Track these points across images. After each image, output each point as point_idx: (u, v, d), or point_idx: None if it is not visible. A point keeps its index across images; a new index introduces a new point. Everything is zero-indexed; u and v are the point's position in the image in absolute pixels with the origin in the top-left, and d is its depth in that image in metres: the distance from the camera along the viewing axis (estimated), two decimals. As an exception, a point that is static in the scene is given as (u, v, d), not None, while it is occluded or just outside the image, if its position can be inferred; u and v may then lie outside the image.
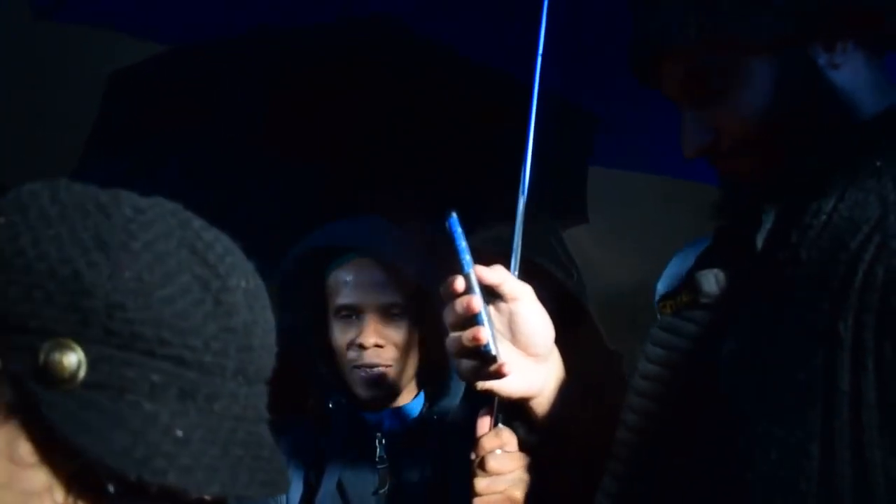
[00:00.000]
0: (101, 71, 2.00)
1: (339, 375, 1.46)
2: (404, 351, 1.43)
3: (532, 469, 1.02)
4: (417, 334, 1.45)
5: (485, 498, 1.02)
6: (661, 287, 1.71)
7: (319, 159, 2.00)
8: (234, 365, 0.60)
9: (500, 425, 1.06)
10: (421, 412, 1.48)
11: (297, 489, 1.43)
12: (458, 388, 1.46)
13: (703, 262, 0.91)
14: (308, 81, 1.96)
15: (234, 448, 0.59)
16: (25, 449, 0.56)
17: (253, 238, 0.69)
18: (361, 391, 1.42)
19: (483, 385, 0.97)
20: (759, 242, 0.84)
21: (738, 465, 0.72)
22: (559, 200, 2.15)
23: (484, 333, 0.93)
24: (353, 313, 1.42)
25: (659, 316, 0.93)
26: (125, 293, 0.56)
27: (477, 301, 0.94)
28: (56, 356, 0.54)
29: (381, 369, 1.41)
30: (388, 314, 1.42)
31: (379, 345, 1.41)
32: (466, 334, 0.93)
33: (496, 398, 1.03)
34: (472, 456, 1.04)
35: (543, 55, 1.20)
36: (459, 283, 0.95)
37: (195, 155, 2.01)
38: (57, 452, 0.56)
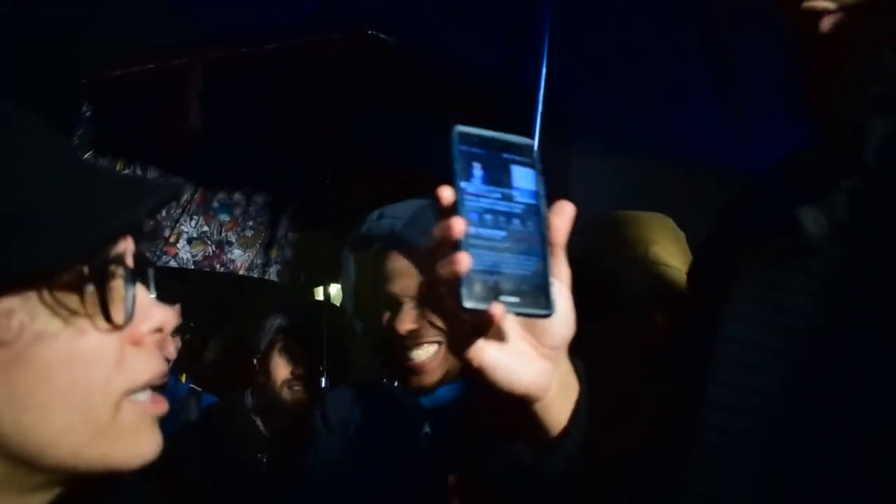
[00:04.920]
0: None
1: None
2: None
3: None
4: None
5: None
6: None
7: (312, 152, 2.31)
8: None
9: None
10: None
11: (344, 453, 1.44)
12: None
13: (793, 196, 0.69)
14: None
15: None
16: None
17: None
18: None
19: (476, 357, 0.67)
20: (871, 158, 0.64)
21: (880, 468, 0.57)
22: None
23: (465, 260, 0.61)
24: None
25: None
26: None
27: (459, 223, 0.62)
28: None
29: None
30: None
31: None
32: (442, 265, 0.63)
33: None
34: None
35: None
36: (447, 195, 0.64)
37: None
38: None
